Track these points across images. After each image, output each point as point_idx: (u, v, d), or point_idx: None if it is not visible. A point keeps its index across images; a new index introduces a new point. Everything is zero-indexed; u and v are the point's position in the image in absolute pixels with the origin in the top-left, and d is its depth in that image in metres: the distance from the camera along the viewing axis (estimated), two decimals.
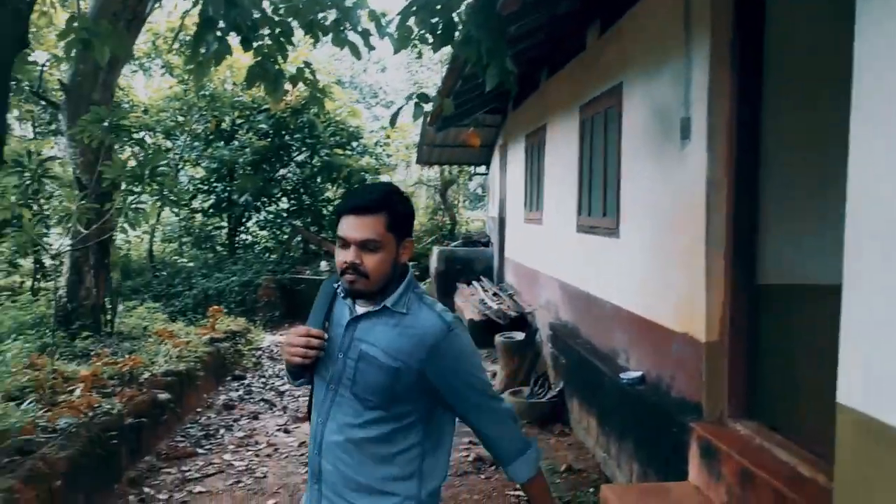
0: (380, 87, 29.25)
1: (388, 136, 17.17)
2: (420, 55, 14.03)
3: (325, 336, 1.94)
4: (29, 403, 5.11)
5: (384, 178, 15.97)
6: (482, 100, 8.92)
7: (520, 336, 7.53)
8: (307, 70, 5.13)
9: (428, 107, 6.38)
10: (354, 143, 14.78)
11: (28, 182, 6.12)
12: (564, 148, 6.99)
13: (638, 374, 4.60)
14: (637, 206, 4.91)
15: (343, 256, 1.89)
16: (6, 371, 5.73)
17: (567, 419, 5.97)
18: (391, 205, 1.90)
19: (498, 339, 7.54)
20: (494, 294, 9.87)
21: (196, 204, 14.06)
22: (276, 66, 4.69)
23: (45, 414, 4.94)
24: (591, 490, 4.65)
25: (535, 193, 8.70)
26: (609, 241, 5.48)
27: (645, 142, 4.77)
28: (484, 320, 8.83)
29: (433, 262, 12.84)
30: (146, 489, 4.98)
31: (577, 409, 5.71)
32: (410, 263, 2.06)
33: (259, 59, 4.72)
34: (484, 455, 5.71)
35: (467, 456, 5.70)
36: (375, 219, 1.87)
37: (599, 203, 5.79)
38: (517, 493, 4.97)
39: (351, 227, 1.88)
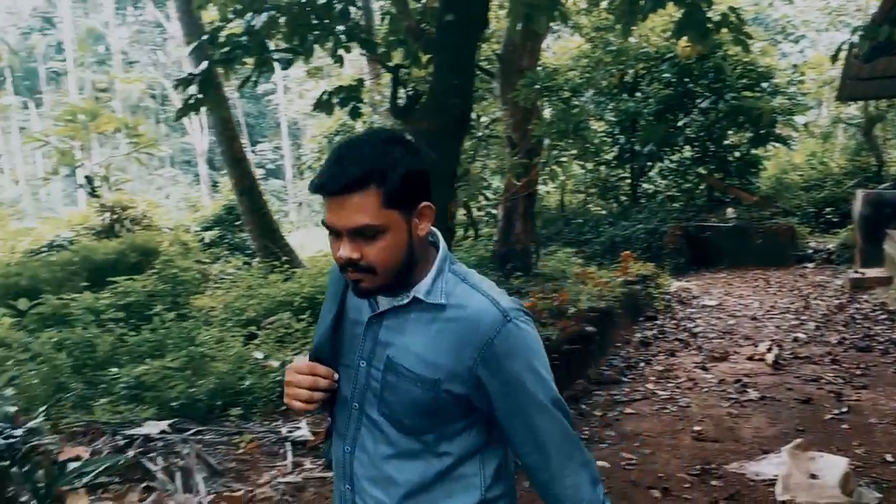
0: (787, 20, 26.89)
1: (802, 74, 15.87)
2: None
3: (335, 376, 1.50)
4: None
5: (799, 119, 14.79)
6: None
7: None
8: (732, 15, 5.18)
9: (853, 37, 6.00)
10: (764, 84, 14.00)
11: (478, 142, 7.20)
12: None
13: None
14: None
15: (336, 250, 1.40)
16: None
17: None
18: (382, 170, 1.34)
19: None
20: None
21: (600, 156, 14.77)
22: (705, 15, 4.85)
23: None
24: None
25: None
26: None
27: None
28: None
29: (856, 207, 11.72)
30: (583, 406, 5.68)
31: None
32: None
33: (685, 9, 4.93)
34: None
35: None
36: (363, 197, 1.33)
37: None
38: None
39: (334, 212, 1.36)
